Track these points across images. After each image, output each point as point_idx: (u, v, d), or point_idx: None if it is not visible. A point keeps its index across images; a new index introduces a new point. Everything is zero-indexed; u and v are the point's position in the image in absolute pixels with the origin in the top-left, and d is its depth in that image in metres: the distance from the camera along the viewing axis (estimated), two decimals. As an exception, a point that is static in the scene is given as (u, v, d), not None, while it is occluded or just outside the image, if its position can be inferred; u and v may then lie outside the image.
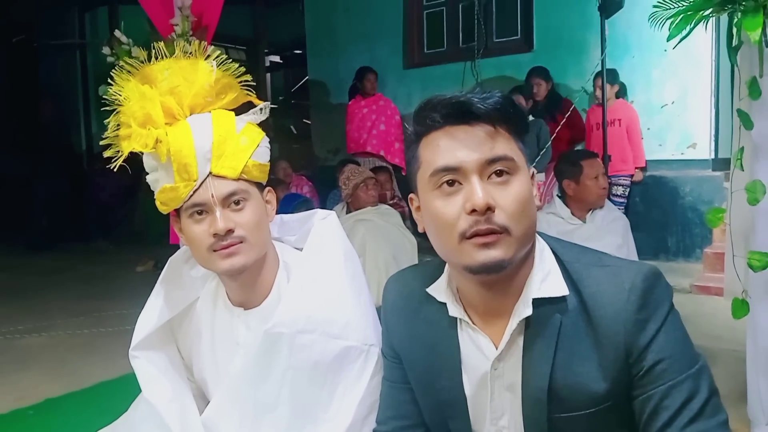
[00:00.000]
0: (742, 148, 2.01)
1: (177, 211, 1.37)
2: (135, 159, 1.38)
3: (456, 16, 6.45)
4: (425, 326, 1.18)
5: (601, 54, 4.39)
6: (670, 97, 5.29)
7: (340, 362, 1.34)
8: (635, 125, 5.16)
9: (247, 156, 1.36)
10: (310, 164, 7.34)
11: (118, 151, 1.36)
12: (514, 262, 1.03)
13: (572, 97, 5.25)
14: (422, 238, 1.14)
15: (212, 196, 1.32)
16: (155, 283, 1.52)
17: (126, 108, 1.36)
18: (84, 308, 4.34)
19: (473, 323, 1.13)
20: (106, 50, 2.24)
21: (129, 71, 1.40)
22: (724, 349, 2.84)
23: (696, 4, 1.91)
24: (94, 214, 7.46)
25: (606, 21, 4.37)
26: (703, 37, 2.95)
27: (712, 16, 1.93)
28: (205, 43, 1.46)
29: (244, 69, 1.47)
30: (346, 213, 3.86)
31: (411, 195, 1.14)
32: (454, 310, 1.13)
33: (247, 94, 1.47)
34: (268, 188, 1.44)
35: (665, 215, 5.25)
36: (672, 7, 1.95)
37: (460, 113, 1.03)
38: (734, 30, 1.94)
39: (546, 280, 1.07)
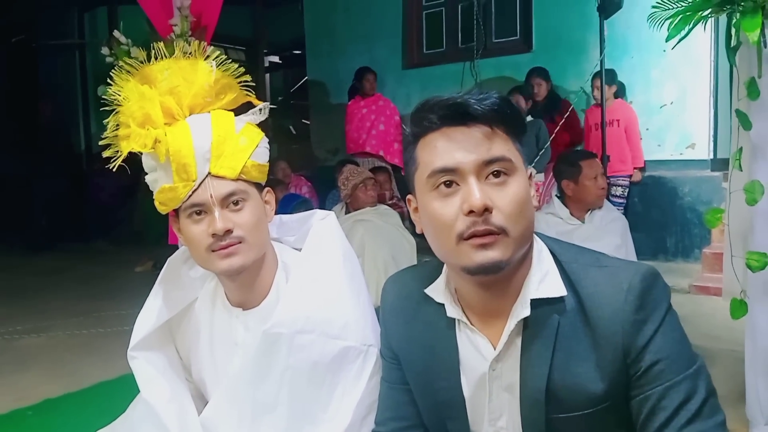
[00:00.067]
0: (741, 148, 2.01)
1: (176, 212, 1.37)
2: (134, 159, 1.38)
3: (455, 16, 6.45)
4: (423, 327, 1.19)
5: (600, 54, 4.39)
6: (669, 97, 5.29)
7: (338, 362, 1.34)
8: (634, 125, 5.17)
9: (246, 156, 1.36)
10: (309, 164, 7.33)
11: (117, 151, 1.36)
12: (512, 262, 1.03)
13: (571, 98, 5.26)
14: (421, 238, 1.14)
15: (211, 197, 1.32)
16: (154, 283, 1.52)
17: (125, 108, 1.36)
18: (83, 309, 4.33)
19: (471, 324, 1.13)
20: (105, 50, 2.24)
21: (128, 71, 1.40)
22: (722, 349, 2.85)
23: (695, 4, 1.91)
24: (94, 214, 7.45)
25: (605, 21, 4.38)
26: (702, 38, 2.97)
27: (711, 17, 1.94)
28: (205, 43, 1.46)
29: (244, 69, 1.47)
30: (345, 213, 3.86)
31: (409, 196, 1.15)
32: (452, 310, 1.13)
33: (247, 95, 1.47)
34: (267, 189, 1.44)
35: (664, 215, 5.26)
36: (671, 7, 1.95)
37: (457, 114, 1.03)
38: (733, 30, 1.94)
39: (544, 280, 1.08)
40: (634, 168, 5.16)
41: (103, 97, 1.41)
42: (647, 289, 1.02)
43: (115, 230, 7.30)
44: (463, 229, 1.00)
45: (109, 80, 1.40)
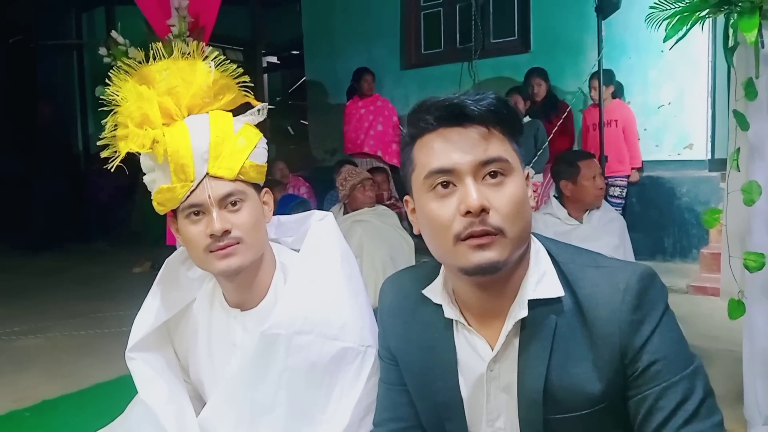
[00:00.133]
0: (739, 148, 2.01)
1: (174, 212, 1.37)
2: (132, 159, 1.38)
3: (453, 16, 6.45)
4: (421, 328, 1.18)
5: (598, 55, 4.40)
6: (667, 97, 5.29)
7: (337, 363, 1.34)
8: (632, 126, 5.17)
9: (244, 157, 1.36)
10: (307, 165, 7.33)
11: (116, 152, 1.36)
12: (509, 263, 1.04)
13: (569, 99, 5.27)
14: (419, 239, 1.14)
15: (209, 197, 1.32)
16: (152, 284, 1.52)
17: (123, 108, 1.36)
18: (81, 309, 4.33)
19: (469, 325, 1.13)
20: (103, 51, 2.23)
21: (127, 72, 1.40)
22: (720, 349, 2.85)
23: (692, 5, 1.92)
24: (92, 214, 7.44)
25: (603, 22, 4.38)
26: (700, 38, 2.97)
27: (709, 17, 1.94)
28: (203, 43, 1.46)
29: (242, 70, 1.47)
30: (344, 214, 3.86)
31: (406, 197, 1.15)
32: (450, 311, 1.13)
33: (245, 95, 1.47)
34: (265, 189, 1.44)
35: (662, 216, 5.26)
36: (669, 8, 1.96)
37: (453, 115, 1.03)
38: (730, 31, 1.94)
39: (541, 281, 1.08)
40: (632, 168, 5.16)
41: (101, 97, 1.41)
42: (644, 289, 1.02)
43: (113, 231, 7.30)
44: (460, 229, 1.00)
45: (107, 81, 1.40)
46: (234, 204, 1.34)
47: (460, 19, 6.37)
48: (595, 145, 4.67)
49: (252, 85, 1.48)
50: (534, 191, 1.11)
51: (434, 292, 1.16)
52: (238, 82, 1.45)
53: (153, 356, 1.50)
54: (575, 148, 5.24)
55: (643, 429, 1.02)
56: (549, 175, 4.21)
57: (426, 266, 1.23)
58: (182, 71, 1.40)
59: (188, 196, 1.32)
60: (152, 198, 1.37)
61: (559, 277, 1.08)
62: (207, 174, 1.32)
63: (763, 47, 1.89)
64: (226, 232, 1.31)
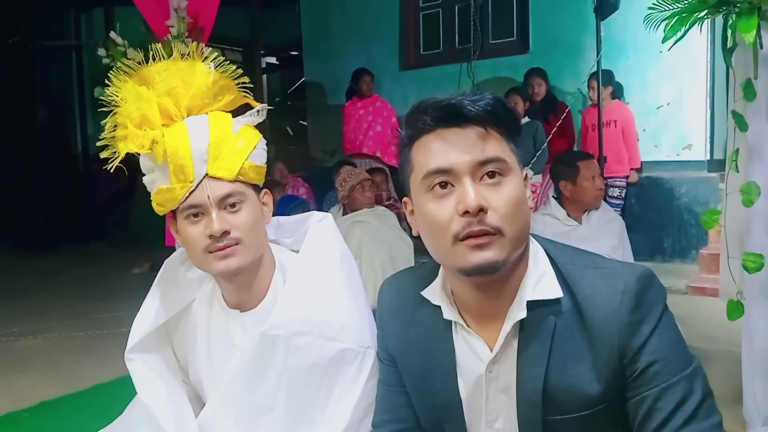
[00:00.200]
0: (737, 149, 2.01)
1: (173, 213, 1.37)
2: (132, 160, 1.38)
3: (452, 17, 6.45)
4: (420, 329, 1.18)
5: (597, 55, 4.39)
6: (666, 98, 5.29)
7: (336, 364, 1.34)
8: (631, 126, 5.16)
9: (243, 158, 1.36)
10: (306, 166, 7.33)
11: (115, 152, 1.36)
12: (508, 263, 1.04)
13: (568, 99, 5.27)
14: (418, 239, 1.14)
15: (208, 198, 1.32)
16: (151, 285, 1.52)
17: (123, 109, 1.36)
18: (80, 310, 4.33)
19: (468, 326, 1.13)
20: (101, 52, 2.23)
21: (126, 72, 1.40)
22: (719, 350, 2.85)
23: (691, 5, 1.92)
24: (91, 215, 7.44)
25: (601, 22, 4.37)
26: (699, 39, 2.96)
27: (708, 18, 1.94)
28: (202, 44, 1.46)
29: (241, 71, 1.47)
30: (343, 215, 3.86)
31: (405, 199, 1.15)
32: (449, 312, 1.13)
33: (244, 96, 1.47)
34: (264, 190, 1.44)
35: (661, 216, 5.26)
36: (667, 8, 1.96)
37: (451, 116, 1.03)
38: (729, 32, 1.94)
39: (540, 282, 1.08)
40: (631, 169, 5.16)
41: (100, 98, 1.41)
42: (643, 290, 1.02)
43: (112, 231, 7.30)
44: (458, 229, 1.00)
45: (106, 81, 1.40)
46: (233, 205, 1.34)
47: (459, 19, 6.37)
48: (594, 146, 4.67)
49: (251, 85, 1.48)
50: (533, 192, 1.11)
51: (433, 293, 1.16)
52: (238, 83, 1.45)
53: (152, 357, 1.50)
54: (574, 148, 5.23)
55: (642, 430, 1.02)
56: (548, 175, 4.22)
57: (425, 267, 1.23)
58: (181, 72, 1.40)
59: (187, 197, 1.32)
60: (151, 199, 1.37)
61: (557, 278, 1.08)
62: (206, 175, 1.33)
63: (761, 48, 1.89)
64: (226, 233, 1.31)
